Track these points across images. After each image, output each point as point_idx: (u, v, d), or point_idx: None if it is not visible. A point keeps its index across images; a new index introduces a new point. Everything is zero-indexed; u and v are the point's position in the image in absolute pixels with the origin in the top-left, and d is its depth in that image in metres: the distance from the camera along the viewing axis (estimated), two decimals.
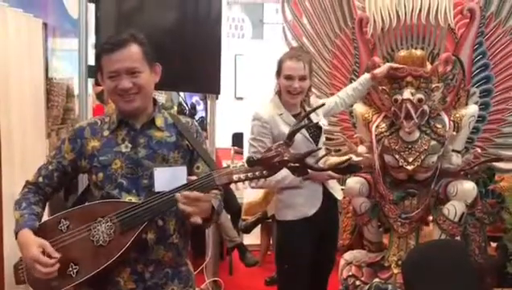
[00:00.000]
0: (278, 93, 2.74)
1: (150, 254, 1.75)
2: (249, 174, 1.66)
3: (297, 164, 1.69)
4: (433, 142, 2.90)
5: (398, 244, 3.00)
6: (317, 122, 2.72)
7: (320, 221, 2.71)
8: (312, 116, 2.69)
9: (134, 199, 1.73)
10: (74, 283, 1.69)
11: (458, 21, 3.08)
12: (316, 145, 2.65)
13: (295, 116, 2.68)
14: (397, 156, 2.92)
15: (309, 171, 1.76)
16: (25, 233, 1.70)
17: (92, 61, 2.67)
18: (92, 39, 2.93)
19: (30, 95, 2.73)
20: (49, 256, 1.65)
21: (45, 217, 1.86)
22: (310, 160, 1.73)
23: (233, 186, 1.76)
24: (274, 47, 4.01)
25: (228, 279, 4.35)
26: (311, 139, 2.67)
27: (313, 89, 3.04)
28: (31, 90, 2.74)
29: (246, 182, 1.68)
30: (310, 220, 2.69)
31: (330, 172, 2.59)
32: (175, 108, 5.14)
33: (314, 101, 2.84)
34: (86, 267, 1.68)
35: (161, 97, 5.02)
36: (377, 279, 2.95)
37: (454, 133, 2.96)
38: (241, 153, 5.45)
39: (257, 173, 1.65)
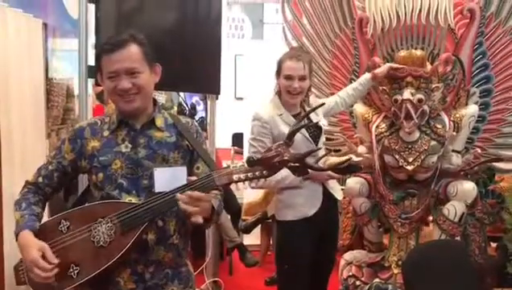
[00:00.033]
0: (278, 93, 2.74)
1: (150, 254, 1.75)
2: (249, 174, 1.66)
3: (297, 164, 1.69)
4: (433, 143, 2.90)
5: (398, 244, 3.00)
6: (317, 122, 2.72)
7: (320, 222, 2.71)
8: (312, 116, 2.69)
9: (134, 199, 1.73)
10: (75, 284, 1.69)
11: (458, 21, 3.08)
12: (316, 145, 2.65)
13: (294, 116, 2.68)
14: (397, 156, 2.92)
15: (309, 171, 1.76)
16: (25, 234, 1.70)
17: (92, 61, 2.67)
18: (92, 40, 2.93)
19: (30, 95, 2.73)
20: (48, 261, 1.65)
21: (45, 218, 1.86)
22: (310, 160, 1.73)
23: (233, 186, 1.75)
24: (274, 47, 4.01)
25: (228, 280, 4.35)
26: (311, 139, 2.67)
27: (313, 89, 3.04)
28: (31, 90, 2.74)
29: (246, 182, 1.68)
30: (310, 220, 2.69)
31: (330, 172, 2.59)
32: (175, 108, 5.14)
33: (313, 101, 2.84)
34: (87, 267, 1.68)
35: (161, 97, 5.02)
36: (377, 280, 2.95)
37: (454, 133, 2.96)
38: (241, 153, 5.45)
39: (257, 173, 1.65)
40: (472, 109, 3.04)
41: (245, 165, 1.66)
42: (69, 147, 1.82)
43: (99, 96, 4.29)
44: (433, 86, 2.90)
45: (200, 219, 1.66)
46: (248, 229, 4.62)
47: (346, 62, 3.30)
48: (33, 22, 2.76)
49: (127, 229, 1.67)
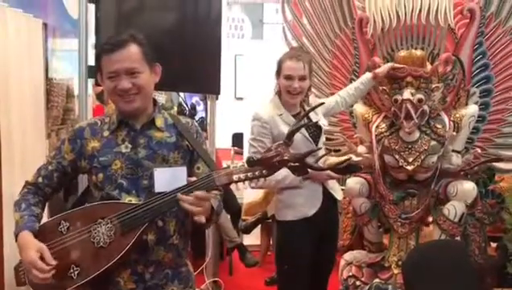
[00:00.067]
0: (278, 93, 2.74)
1: (150, 255, 1.75)
2: (249, 174, 1.66)
3: (297, 164, 1.69)
4: (433, 143, 2.90)
5: (399, 244, 3.00)
6: (317, 122, 2.72)
7: (319, 222, 2.71)
8: (312, 115, 2.69)
9: (133, 199, 1.73)
10: (75, 284, 1.69)
11: (458, 21, 3.08)
12: (316, 145, 2.65)
13: (294, 116, 2.67)
14: (397, 156, 2.92)
15: (309, 170, 1.76)
16: (25, 235, 1.70)
17: (92, 61, 2.67)
18: (92, 40, 2.93)
19: (30, 95, 2.73)
20: (46, 262, 1.65)
21: (45, 218, 1.85)
22: (310, 160, 1.73)
23: (233, 186, 1.75)
24: (274, 47, 4.01)
25: (228, 280, 4.35)
26: (310, 139, 2.67)
27: (313, 89, 3.04)
28: (31, 90, 2.74)
29: (246, 182, 1.68)
30: (310, 220, 2.69)
31: (330, 172, 2.58)
32: (175, 108, 5.14)
33: (313, 100, 2.84)
34: (87, 268, 1.68)
35: (161, 97, 5.02)
36: (377, 280, 2.95)
37: (454, 133, 2.96)
38: (241, 153, 5.44)
39: (257, 173, 1.65)
40: (472, 109, 3.04)
41: (245, 165, 1.66)
42: (69, 147, 1.82)
43: (99, 96, 4.29)
44: (433, 86, 2.90)
45: (203, 218, 1.67)
46: (248, 230, 4.62)
47: (346, 62, 3.30)
48: (33, 22, 2.76)
49: (127, 230, 1.67)
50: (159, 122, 1.83)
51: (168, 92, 5.16)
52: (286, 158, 1.66)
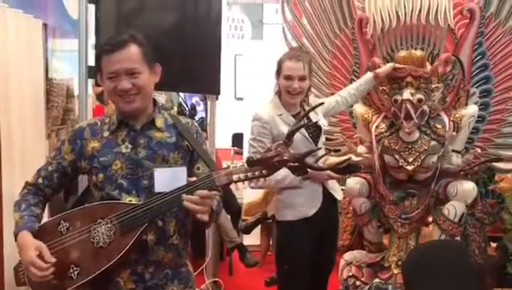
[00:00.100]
0: (278, 93, 2.75)
1: (150, 255, 1.75)
2: (248, 174, 1.66)
3: (296, 164, 1.69)
4: (433, 143, 2.90)
5: (398, 244, 3.00)
6: (316, 122, 2.72)
7: (319, 222, 2.71)
8: (311, 115, 2.68)
9: (134, 200, 1.73)
10: (75, 285, 1.69)
11: (458, 21, 3.08)
12: (316, 145, 2.65)
13: (294, 116, 2.68)
14: (397, 156, 2.92)
15: (309, 170, 1.76)
16: (24, 235, 1.70)
17: (92, 62, 2.67)
18: (92, 40, 2.93)
19: (30, 95, 2.73)
20: (44, 260, 1.65)
21: (45, 219, 1.86)
22: (309, 160, 1.73)
23: (232, 186, 1.76)
24: (273, 47, 4.01)
25: (228, 280, 4.35)
26: (310, 139, 2.67)
27: (313, 90, 3.04)
28: (31, 91, 2.74)
29: (246, 182, 1.68)
30: (310, 220, 2.69)
31: (329, 172, 2.59)
32: (175, 108, 5.14)
33: (313, 101, 2.84)
34: (87, 268, 1.68)
35: (161, 97, 5.02)
36: (377, 280, 2.95)
37: (454, 133, 2.96)
38: (241, 153, 5.44)
39: (256, 173, 1.66)
40: (471, 110, 3.04)
41: (245, 165, 1.67)
42: (69, 147, 1.82)
43: (99, 96, 4.29)
44: (433, 86, 2.90)
45: (205, 217, 1.67)
46: (248, 230, 4.62)
47: (346, 62, 3.30)
48: (33, 22, 2.76)
49: (127, 230, 1.67)
50: (159, 123, 1.83)
51: (168, 92, 5.16)
52: (285, 158, 1.66)
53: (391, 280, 2.91)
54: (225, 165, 1.83)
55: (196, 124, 1.93)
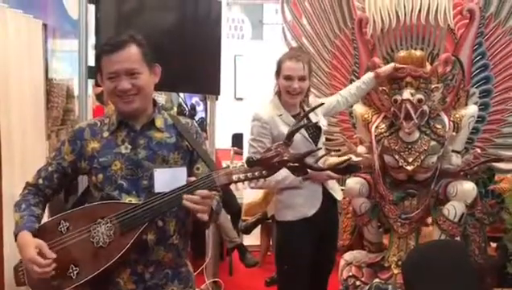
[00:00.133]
0: (278, 93, 2.74)
1: (150, 255, 1.75)
2: (248, 174, 1.66)
3: (296, 164, 1.69)
4: (433, 143, 2.90)
5: (398, 244, 3.00)
6: (316, 122, 2.72)
7: (319, 222, 2.71)
8: (311, 116, 2.69)
9: (134, 200, 1.73)
10: (74, 284, 1.69)
11: (458, 21, 3.08)
12: (316, 145, 2.65)
13: (294, 116, 2.68)
14: (397, 157, 2.92)
15: (309, 171, 1.76)
16: (24, 235, 1.70)
17: (92, 62, 2.67)
18: (92, 40, 2.94)
19: (30, 96, 2.74)
20: (45, 257, 1.65)
21: (45, 219, 1.86)
22: (309, 160, 1.73)
23: (232, 186, 1.76)
24: (273, 47, 4.01)
25: (228, 280, 4.35)
26: (310, 140, 2.67)
27: (312, 90, 3.04)
28: (31, 91, 2.75)
29: (246, 182, 1.68)
30: (310, 220, 2.69)
31: (329, 172, 2.59)
32: (175, 109, 5.14)
33: (313, 101, 2.84)
34: (86, 268, 1.68)
35: (161, 97, 5.01)
36: (377, 280, 2.95)
37: (454, 133, 2.96)
38: (241, 154, 5.44)
39: (256, 173, 1.66)
40: (471, 110, 3.04)
41: (245, 165, 1.67)
42: (69, 148, 1.82)
43: (99, 97, 4.29)
44: (433, 86, 2.90)
45: (205, 216, 1.67)
46: (248, 230, 4.62)
47: (346, 62, 3.30)
48: (33, 22, 2.77)
49: (126, 230, 1.67)
50: (159, 123, 1.83)
51: (168, 92, 5.16)
52: (285, 158, 1.66)
53: (391, 280, 2.91)
54: (224, 165, 1.83)
55: (196, 124, 1.93)
